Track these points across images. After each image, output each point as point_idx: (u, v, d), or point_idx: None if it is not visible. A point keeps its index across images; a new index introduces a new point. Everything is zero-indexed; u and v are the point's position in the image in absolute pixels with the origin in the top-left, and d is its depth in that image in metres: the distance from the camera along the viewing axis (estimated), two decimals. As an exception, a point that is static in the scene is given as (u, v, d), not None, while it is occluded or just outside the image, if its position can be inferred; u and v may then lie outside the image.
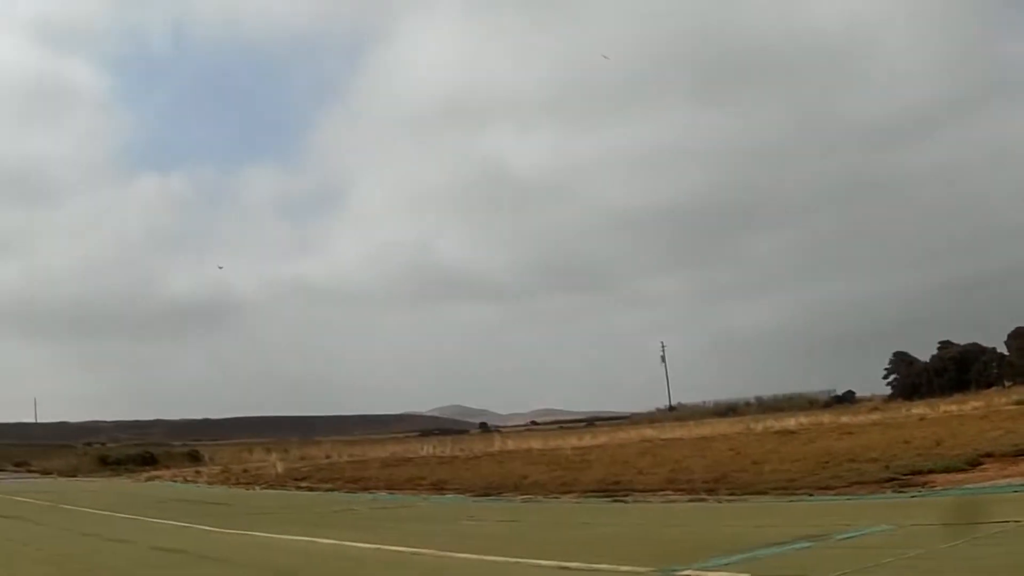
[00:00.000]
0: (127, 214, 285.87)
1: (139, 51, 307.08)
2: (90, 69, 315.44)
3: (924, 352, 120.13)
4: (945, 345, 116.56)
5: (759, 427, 68.04)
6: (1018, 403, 64.12)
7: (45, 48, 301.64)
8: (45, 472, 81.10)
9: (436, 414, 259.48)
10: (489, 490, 34.29)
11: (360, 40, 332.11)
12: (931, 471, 26.67)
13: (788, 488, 26.24)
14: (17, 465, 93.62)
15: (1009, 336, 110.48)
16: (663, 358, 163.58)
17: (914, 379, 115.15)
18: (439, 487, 37.79)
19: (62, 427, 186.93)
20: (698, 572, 13.75)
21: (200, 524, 26.35)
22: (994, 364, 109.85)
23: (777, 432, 59.73)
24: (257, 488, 46.57)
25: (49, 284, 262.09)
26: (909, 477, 25.94)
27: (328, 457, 71.60)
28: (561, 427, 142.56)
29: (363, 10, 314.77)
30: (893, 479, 25.80)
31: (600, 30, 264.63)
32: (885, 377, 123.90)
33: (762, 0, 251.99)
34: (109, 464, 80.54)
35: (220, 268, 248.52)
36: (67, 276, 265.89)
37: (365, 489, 40.29)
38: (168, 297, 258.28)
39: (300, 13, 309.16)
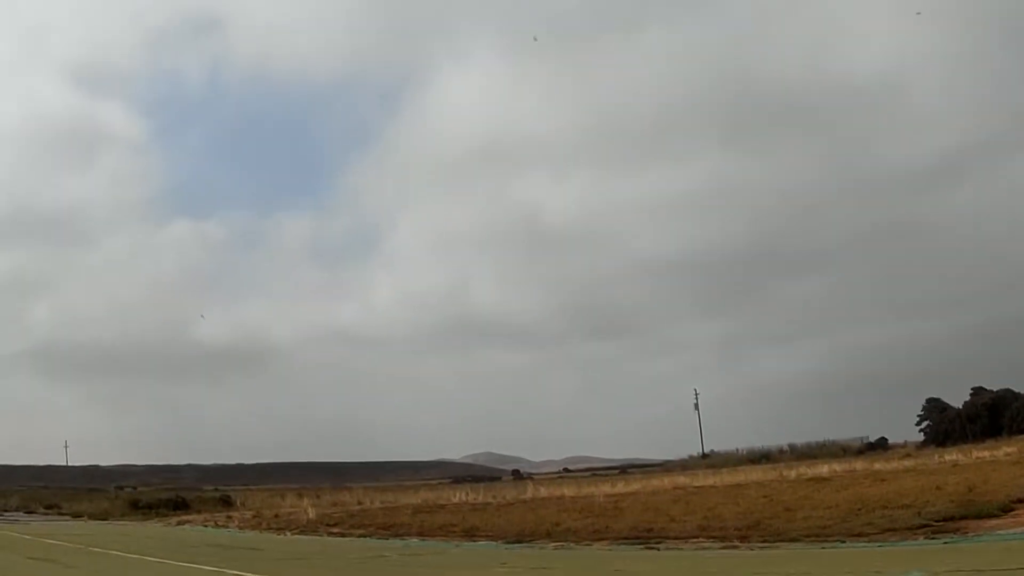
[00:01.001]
0: (161, 257, 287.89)
1: (173, 94, 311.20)
2: (124, 112, 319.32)
3: (957, 398, 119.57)
4: (978, 391, 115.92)
5: (792, 474, 67.75)
6: (1051, 449, 63.79)
7: (80, 90, 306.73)
8: (76, 515, 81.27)
9: (468, 461, 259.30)
10: (521, 537, 34.28)
11: (394, 84, 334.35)
12: (963, 517, 26.60)
13: (821, 535, 26.21)
14: (48, 508, 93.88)
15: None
16: (696, 405, 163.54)
17: (947, 425, 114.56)
18: (471, 534, 37.78)
19: (93, 470, 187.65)
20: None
21: (231, 569, 26.43)
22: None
23: (810, 479, 59.49)
24: (289, 533, 46.62)
25: (82, 326, 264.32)
26: (942, 523, 25.87)
27: (360, 503, 71.50)
28: (594, 474, 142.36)
29: (397, 54, 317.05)
30: (926, 525, 25.74)
31: (633, 75, 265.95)
32: (918, 423, 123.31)
33: (792, 45, 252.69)
34: (140, 508, 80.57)
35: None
36: (100, 318, 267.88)
37: (397, 535, 40.30)
38: (201, 341, 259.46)
39: (334, 57, 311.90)
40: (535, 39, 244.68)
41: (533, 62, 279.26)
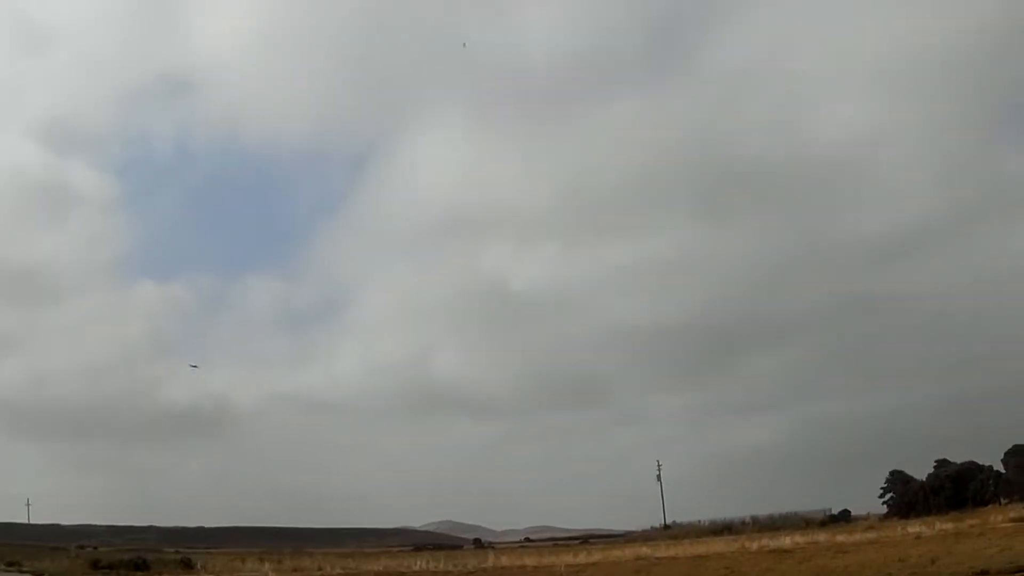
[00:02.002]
0: (127, 318, 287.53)
1: (143, 155, 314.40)
2: (95, 173, 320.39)
3: (921, 470, 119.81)
4: (942, 463, 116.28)
5: (754, 546, 67.83)
6: (1015, 520, 64.12)
7: (51, 150, 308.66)
8: (36, 573, 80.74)
9: (430, 529, 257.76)
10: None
11: (363, 152, 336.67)
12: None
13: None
14: (9, 565, 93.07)
15: (1006, 454, 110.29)
16: (659, 476, 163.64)
17: (911, 497, 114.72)
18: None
19: (55, 529, 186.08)
20: None
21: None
22: (991, 482, 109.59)
23: (772, 551, 59.58)
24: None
25: (47, 384, 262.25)
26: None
27: (320, 569, 71.18)
28: (556, 544, 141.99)
29: (366, 122, 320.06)
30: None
31: (601, 146, 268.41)
32: (881, 496, 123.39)
33: (762, 119, 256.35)
34: (101, 568, 79.90)
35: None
36: (65, 377, 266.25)
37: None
38: (165, 403, 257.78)
39: (304, 122, 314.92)
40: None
41: (502, 132, 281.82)
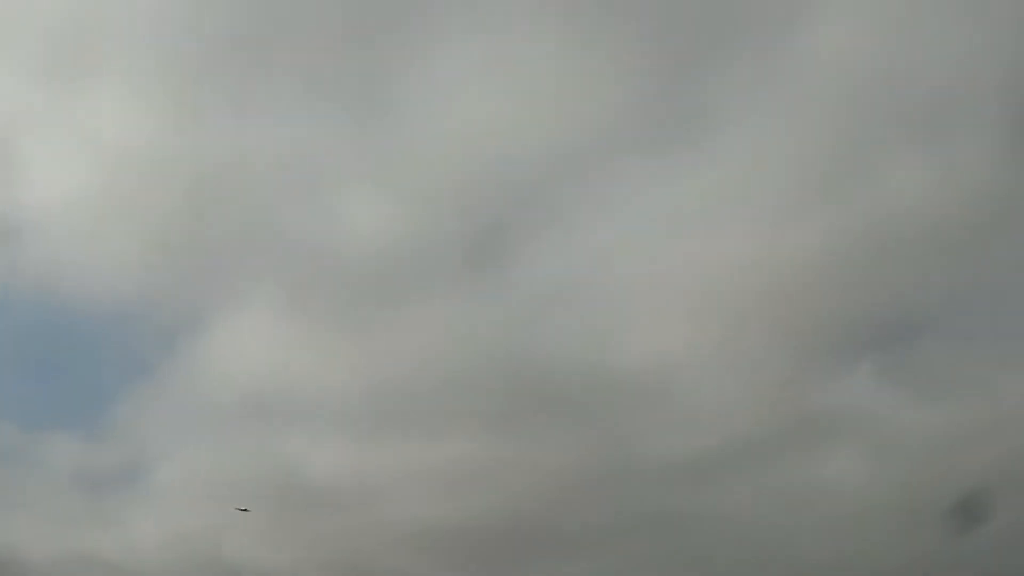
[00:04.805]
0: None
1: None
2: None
3: None
4: None
5: None
6: None
7: None
8: None
9: None
10: None
11: (176, 323, 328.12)
12: None
13: None
14: None
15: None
16: None
17: None
18: None
19: None
20: None
21: None
22: None
23: None
24: None
25: None
26: None
27: None
28: None
29: (182, 294, 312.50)
30: None
31: (411, 344, 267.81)
32: None
33: (575, 330, 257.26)
34: None
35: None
36: None
37: None
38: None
39: (122, 287, 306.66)
40: None
41: (313, 320, 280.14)
